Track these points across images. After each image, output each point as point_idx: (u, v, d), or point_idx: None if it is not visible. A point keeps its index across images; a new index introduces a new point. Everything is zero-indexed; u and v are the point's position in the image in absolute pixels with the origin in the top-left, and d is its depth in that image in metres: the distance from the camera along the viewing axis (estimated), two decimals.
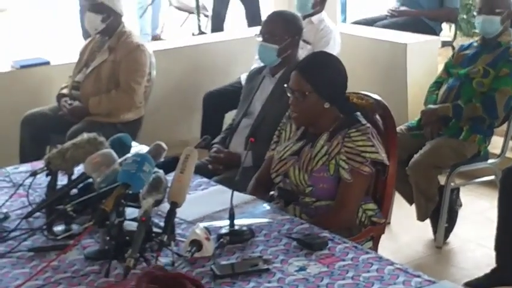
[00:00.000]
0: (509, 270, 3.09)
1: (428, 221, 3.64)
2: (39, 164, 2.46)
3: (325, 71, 2.47)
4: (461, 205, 3.90)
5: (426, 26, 5.62)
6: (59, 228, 2.15)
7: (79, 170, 2.26)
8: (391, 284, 1.83)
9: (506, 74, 3.54)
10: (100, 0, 4.03)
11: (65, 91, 4.13)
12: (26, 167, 2.72)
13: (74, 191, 2.22)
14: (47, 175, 2.26)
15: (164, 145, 2.31)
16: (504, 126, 3.71)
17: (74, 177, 2.24)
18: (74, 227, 2.14)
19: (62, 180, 2.28)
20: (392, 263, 1.93)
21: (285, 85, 2.50)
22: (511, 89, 3.53)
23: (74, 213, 2.11)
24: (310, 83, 2.43)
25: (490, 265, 3.15)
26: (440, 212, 3.57)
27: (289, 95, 2.49)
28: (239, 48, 5.08)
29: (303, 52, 4.08)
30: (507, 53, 3.60)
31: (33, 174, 2.28)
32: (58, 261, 1.95)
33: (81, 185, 2.22)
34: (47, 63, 4.61)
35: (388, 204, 2.57)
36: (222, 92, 4.49)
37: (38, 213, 2.23)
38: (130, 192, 1.95)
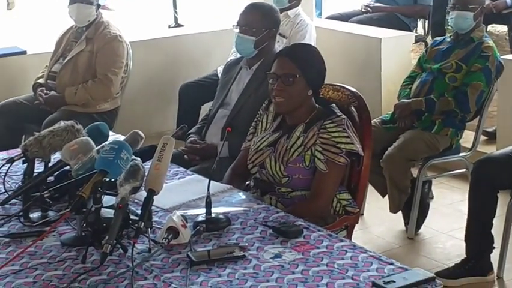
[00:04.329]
0: (479, 261, 3.15)
1: (400, 213, 3.68)
2: (15, 152, 2.45)
3: (310, 57, 2.51)
4: (432, 197, 3.97)
5: (400, 21, 5.69)
6: (35, 215, 2.15)
7: (55, 157, 2.27)
8: (365, 271, 1.86)
9: (478, 69, 3.59)
10: None
11: (41, 81, 4.11)
12: (2, 154, 2.71)
13: (51, 178, 2.23)
14: (23, 162, 2.25)
15: (141, 133, 2.32)
16: (475, 121, 3.77)
17: (51, 164, 2.24)
18: (51, 214, 2.15)
19: (39, 167, 2.27)
20: (365, 251, 1.96)
21: (267, 73, 2.51)
22: (482, 83, 3.57)
23: (50, 200, 2.13)
24: (299, 67, 2.45)
25: (460, 256, 3.21)
26: (412, 204, 3.62)
27: (270, 82, 2.48)
28: (215, 41, 5.09)
29: (279, 46, 4.11)
30: (479, 49, 3.63)
31: (10, 161, 2.28)
32: (35, 248, 1.96)
33: (58, 172, 2.23)
34: (24, 52, 4.58)
35: (362, 194, 2.60)
36: (198, 84, 4.50)
37: (14, 200, 2.23)
38: (108, 179, 1.96)
